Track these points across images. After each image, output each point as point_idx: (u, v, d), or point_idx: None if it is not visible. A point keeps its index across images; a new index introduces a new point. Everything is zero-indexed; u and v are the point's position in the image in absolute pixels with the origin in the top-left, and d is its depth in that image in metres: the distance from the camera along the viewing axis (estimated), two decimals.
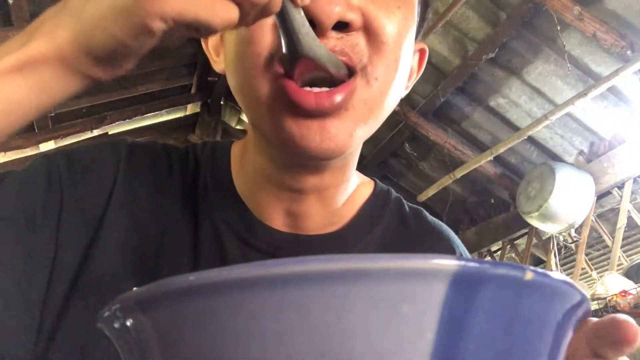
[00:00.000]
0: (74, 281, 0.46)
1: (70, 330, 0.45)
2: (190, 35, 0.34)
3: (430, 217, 0.59)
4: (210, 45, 0.54)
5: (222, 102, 4.52)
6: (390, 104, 0.47)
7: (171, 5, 0.32)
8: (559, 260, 3.48)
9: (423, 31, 0.54)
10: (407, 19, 0.46)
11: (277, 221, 0.51)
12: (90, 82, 0.36)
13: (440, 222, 0.59)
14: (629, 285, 2.59)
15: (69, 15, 0.34)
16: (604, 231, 3.12)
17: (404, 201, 0.59)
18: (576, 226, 3.06)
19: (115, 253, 0.48)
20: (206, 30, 0.33)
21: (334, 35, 0.42)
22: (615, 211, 3.04)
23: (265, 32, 0.42)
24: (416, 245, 0.54)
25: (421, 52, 0.55)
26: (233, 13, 0.34)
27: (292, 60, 0.41)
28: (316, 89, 0.42)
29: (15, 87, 0.34)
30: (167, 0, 0.31)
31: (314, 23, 0.40)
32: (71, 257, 0.47)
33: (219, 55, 0.53)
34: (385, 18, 0.44)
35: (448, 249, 0.56)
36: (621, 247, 3.02)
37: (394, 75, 0.46)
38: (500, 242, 3.90)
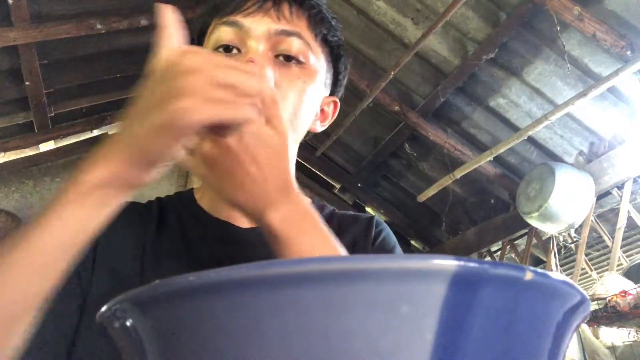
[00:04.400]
0: (83, 308, 0.56)
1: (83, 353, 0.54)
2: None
3: (359, 214, 0.74)
4: None
5: None
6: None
7: (198, 117, 0.39)
8: (559, 261, 3.47)
9: (339, 85, 0.73)
10: (307, 84, 0.64)
11: (239, 220, 0.66)
12: (132, 192, 0.44)
13: (372, 214, 0.75)
14: (628, 285, 2.58)
15: (116, 145, 0.43)
16: (603, 231, 3.12)
17: (337, 210, 0.76)
18: (576, 226, 3.06)
19: (107, 278, 0.58)
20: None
21: None
22: (615, 211, 3.04)
23: None
24: (346, 232, 0.69)
25: (334, 103, 0.74)
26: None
27: None
28: None
29: (82, 211, 0.41)
30: (192, 113, 0.38)
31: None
32: (85, 286, 0.57)
33: None
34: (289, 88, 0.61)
35: (367, 223, 0.71)
36: (621, 247, 3.01)
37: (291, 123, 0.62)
38: (500, 243, 3.90)
